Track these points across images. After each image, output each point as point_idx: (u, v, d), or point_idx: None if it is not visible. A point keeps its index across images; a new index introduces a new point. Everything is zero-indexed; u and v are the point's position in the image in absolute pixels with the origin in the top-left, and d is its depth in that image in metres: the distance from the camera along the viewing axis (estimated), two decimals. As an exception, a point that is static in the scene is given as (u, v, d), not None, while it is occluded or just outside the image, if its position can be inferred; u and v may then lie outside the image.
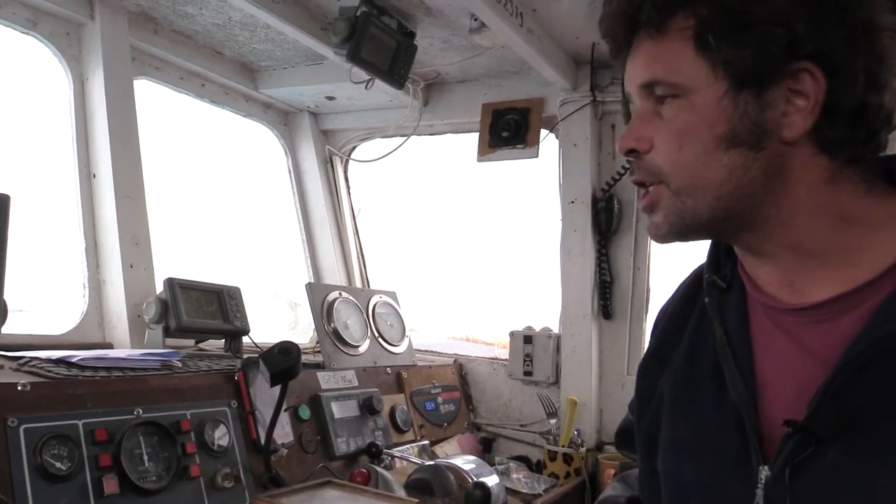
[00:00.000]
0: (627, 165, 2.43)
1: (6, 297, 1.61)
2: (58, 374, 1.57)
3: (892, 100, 0.85)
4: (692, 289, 1.09)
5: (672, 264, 2.54)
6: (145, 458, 1.54)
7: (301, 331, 2.94)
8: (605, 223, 2.51)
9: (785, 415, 0.85)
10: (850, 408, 0.81)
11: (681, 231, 0.91)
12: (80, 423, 1.47)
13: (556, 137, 2.64)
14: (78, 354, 1.70)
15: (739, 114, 0.84)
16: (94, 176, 2.20)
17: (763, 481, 0.86)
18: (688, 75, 0.86)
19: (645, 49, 0.90)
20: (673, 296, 1.14)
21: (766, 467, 0.87)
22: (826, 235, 0.87)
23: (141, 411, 1.58)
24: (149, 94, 2.44)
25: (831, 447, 0.82)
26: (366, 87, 2.49)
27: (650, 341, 1.15)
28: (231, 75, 2.67)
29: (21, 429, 1.38)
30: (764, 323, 0.94)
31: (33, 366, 1.61)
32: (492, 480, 1.88)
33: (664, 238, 0.93)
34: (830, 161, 0.86)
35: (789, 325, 0.90)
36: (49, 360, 1.66)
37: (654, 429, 1.08)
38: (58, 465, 1.39)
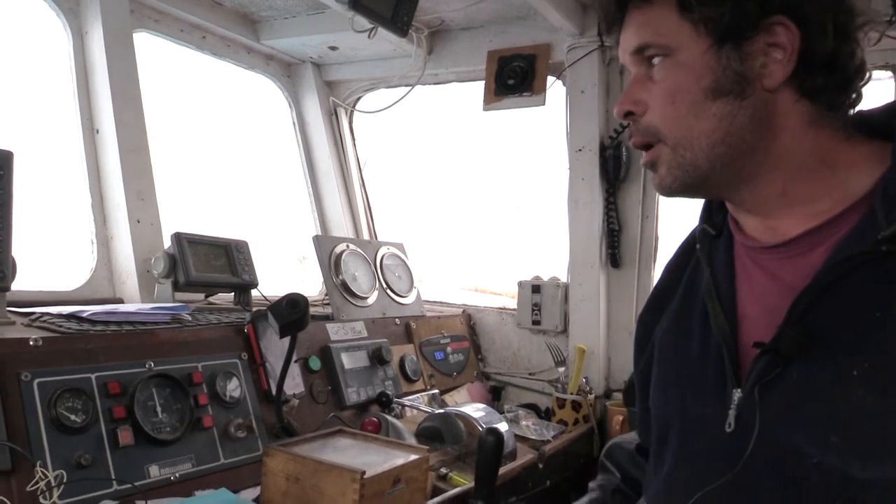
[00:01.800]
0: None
1: (14, 253, 1.63)
2: (69, 328, 1.58)
3: (860, 52, 0.93)
4: (692, 242, 1.16)
5: (680, 212, 2.52)
6: (158, 409, 1.57)
7: (309, 284, 2.95)
8: (612, 171, 2.48)
9: (758, 341, 0.92)
10: (812, 328, 0.88)
11: (685, 184, 0.97)
12: (92, 376, 1.49)
13: (564, 84, 2.60)
14: (88, 309, 1.71)
15: (723, 66, 0.91)
16: (98, 131, 2.19)
17: (735, 402, 0.94)
18: (673, 36, 0.93)
19: (634, 18, 0.98)
20: (677, 249, 1.21)
21: (738, 389, 0.95)
22: (809, 179, 0.94)
23: (153, 364, 1.60)
24: (151, 48, 2.41)
25: (796, 365, 0.89)
26: (369, 36, 2.44)
27: (651, 292, 1.23)
28: (232, 26, 2.62)
29: (35, 383, 1.40)
30: (745, 263, 1.02)
31: (44, 321, 1.63)
32: (501, 427, 1.89)
33: (669, 190, 0.99)
34: (812, 106, 0.93)
35: (767, 261, 0.98)
36: (60, 316, 1.68)
37: (648, 370, 1.16)
38: (73, 417, 1.42)
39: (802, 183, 0.94)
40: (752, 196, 0.97)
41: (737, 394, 0.94)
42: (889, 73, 2.14)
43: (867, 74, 0.96)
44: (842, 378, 0.85)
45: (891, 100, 0.98)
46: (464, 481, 1.73)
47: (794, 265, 0.94)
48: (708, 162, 0.94)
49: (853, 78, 0.94)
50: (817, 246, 0.92)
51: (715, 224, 1.08)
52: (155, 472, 1.51)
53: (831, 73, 0.92)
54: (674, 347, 1.10)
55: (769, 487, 0.91)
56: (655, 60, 0.96)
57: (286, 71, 3.01)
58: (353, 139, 3.14)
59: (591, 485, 1.40)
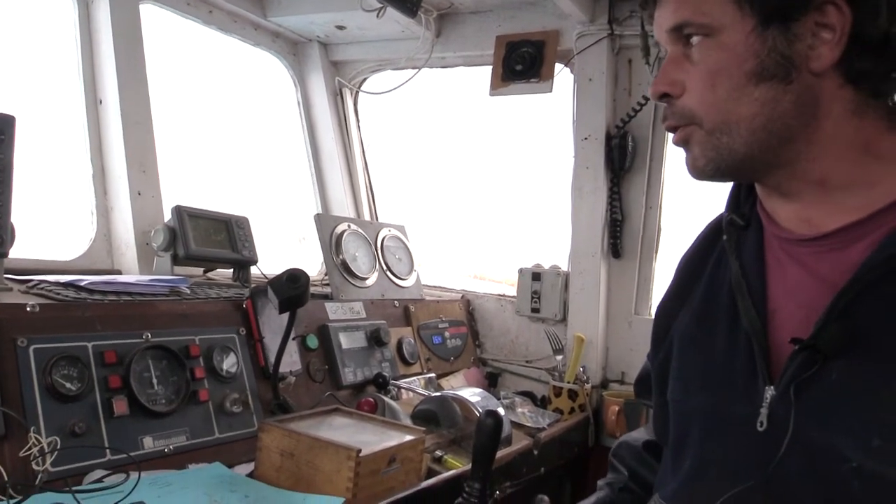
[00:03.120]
0: (643, 102, 2.38)
1: (14, 220, 1.61)
2: (67, 296, 1.57)
3: None
4: (714, 232, 1.12)
5: (684, 204, 2.51)
6: (154, 381, 1.56)
7: (309, 263, 2.94)
8: (618, 161, 2.47)
9: (793, 337, 0.88)
10: (854, 326, 0.84)
11: (719, 168, 0.93)
12: (89, 345, 1.48)
13: (571, 72, 2.58)
14: (86, 278, 1.70)
15: (768, 48, 0.87)
16: (101, 102, 2.17)
17: (768, 400, 0.90)
18: (715, 15, 0.89)
19: None
20: (695, 240, 1.18)
21: (771, 387, 0.90)
22: (849, 169, 0.89)
23: (150, 335, 1.59)
24: (157, 21, 2.39)
25: (835, 364, 0.85)
26: (377, 16, 2.43)
27: (671, 282, 1.18)
28: (239, 2, 2.60)
29: (31, 349, 1.39)
30: (778, 255, 0.97)
31: (42, 288, 1.62)
32: (499, 412, 1.89)
33: (702, 172, 0.95)
34: (856, 93, 0.88)
35: (802, 254, 0.94)
36: (58, 284, 1.66)
37: (667, 364, 1.12)
38: (68, 385, 1.41)
39: (843, 173, 0.90)
40: (789, 181, 0.93)
41: (769, 391, 0.90)
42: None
43: None
44: (887, 380, 0.81)
45: None
46: (458, 464, 1.73)
47: (832, 260, 0.90)
48: (746, 148, 0.90)
49: None
50: (857, 241, 0.88)
51: (743, 214, 1.04)
52: (149, 443, 1.50)
53: (880, 58, 0.86)
54: (697, 342, 1.06)
55: (803, 490, 0.87)
56: (694, 40, 0.91)
57: (292, 49, 2.99)
58: (358, 120, 3.12)
59: (600, 483, 1.38)
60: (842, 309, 0.84)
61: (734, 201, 1.06)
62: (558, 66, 2.58)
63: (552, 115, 2.69)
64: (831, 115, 0.88)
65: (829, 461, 0.84)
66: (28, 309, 1.43)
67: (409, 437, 1.54)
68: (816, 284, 0.91)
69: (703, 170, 0.95)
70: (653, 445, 1.28)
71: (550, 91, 2.56)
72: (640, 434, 1.35)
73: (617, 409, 2.32)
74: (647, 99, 2.36)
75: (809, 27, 0.85)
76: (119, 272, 2.10)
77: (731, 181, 1.04)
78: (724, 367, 0.98)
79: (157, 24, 2.39)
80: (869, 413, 0.82)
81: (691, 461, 1.01)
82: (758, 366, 0.93)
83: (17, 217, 1.62)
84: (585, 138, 2.51)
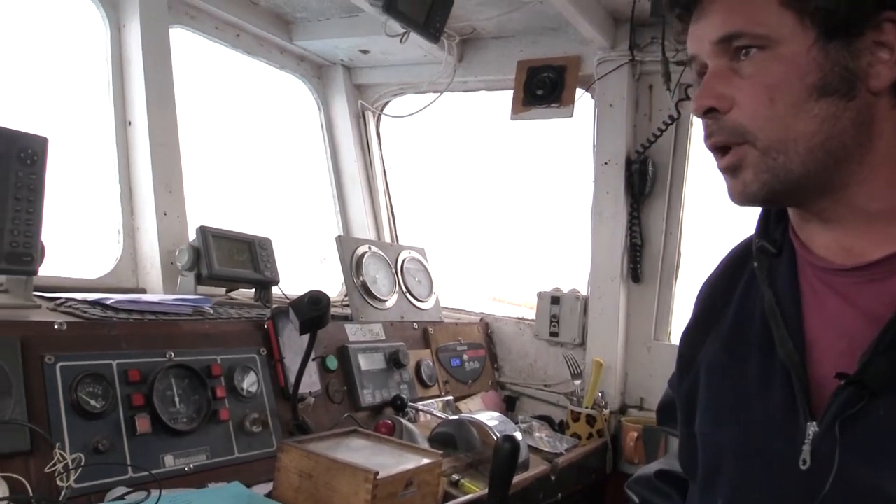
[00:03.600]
0: (663, 128, 2.39)
1: (43, 239, 1.65)
2: (93, 315, 1.60)
3: None
4: (739, 258, 1.09)
5: (704, 229, 2.51)
6: (176, 399, 1.58)
7: (330, 284, 2.96)
8: (638, 186, 2.47)
9: (835, 371, 0.84)
10: None
11: (774, 189, 0.88)
12: (114, 363, 1.51)
13: (592, 97, 2.60)
14: (112, 297, 1.73)
15: (831, 62, 0.83)
16: (130, 123, 2.22)
17: (811, 437, 0.86)
18: (773, 26, 0.84)
19: (721, 3, 0.87)
20: (718, 265, 1.14)
21: (813, 423, 0.86)
22: (894, 195, 0.86)
23: (173, 354, 1.62)
24: (185, 45, 2.44)
25: (883, 401, 0.81)
26: (401, 41, 2.45)
27: (694, 309, 1.14)
28: (266, 26, 2.65)
29: (58, 366, 1.42)
30: (814, 284, 0.93)
31: (69, 306, 1.65)
32: (517, 437, 1.89)
33: (753, 198, 0.90)
34: None
35: (841, 284, 0.89)
36: (85, 302, 1.69)
37: (693, 394, 1.08)
38: (92, 402, 1.43)
39: (887, 198, 0.86)
40: (835, 207, 0.89)
41: (811, 427, 0.86)
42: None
43: None
44: None
45: None
46: (475, 489, 1.73)
47: (874, 291, 0.86)
48: (803, 168, 0.85)
49: None
50: None
51: (774, 240, 0.99)
52: (170, 461, 1.52)
53: None
54: (727, 371, 1.01)
55: None
56: (747, 52, 0.86)
57: (317, 72, 3.04)
58: (380, 142, 3.16)
59: None
60: (888, 342, 0.81)
61: (764, 227, 1.01)
62: (579, 92, 2.59)
63: (573, 140, 2.71)
64: (885, 135, 0.85)
65: (874, 501, 0.81)
66: (56, 327, 1.46)
67: (426, 461, 1.54)
68: (857, 316, 0.87)
69: (755, 194, 0.89)
70: (665, 474, 1.25)
71: (571, 116, 2.58)
72: (654, 465, 1.31)
73: (635, 435, 2.31)
74: (667, 124, 2.37)
75: (868, 45, 0.83)
76: (144, 291, 2.13)
77: (778, 206, 0.98)
78: (758, 400, 0.94)
79: (187, 48, 2.44)
80: None
81: (724, 498, 0.98)
82: (798, 400, 0.88)
83: (46, 235, 1.66)
84: (606, 163, 2.52)
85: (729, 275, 1.09)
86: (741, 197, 0.90)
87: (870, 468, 0.81)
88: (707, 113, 0.89)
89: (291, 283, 2.40)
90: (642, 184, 2.47)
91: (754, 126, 0.86)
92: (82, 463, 1.34)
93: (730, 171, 0.90)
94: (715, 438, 1.01)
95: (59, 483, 1.30)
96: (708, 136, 0.91)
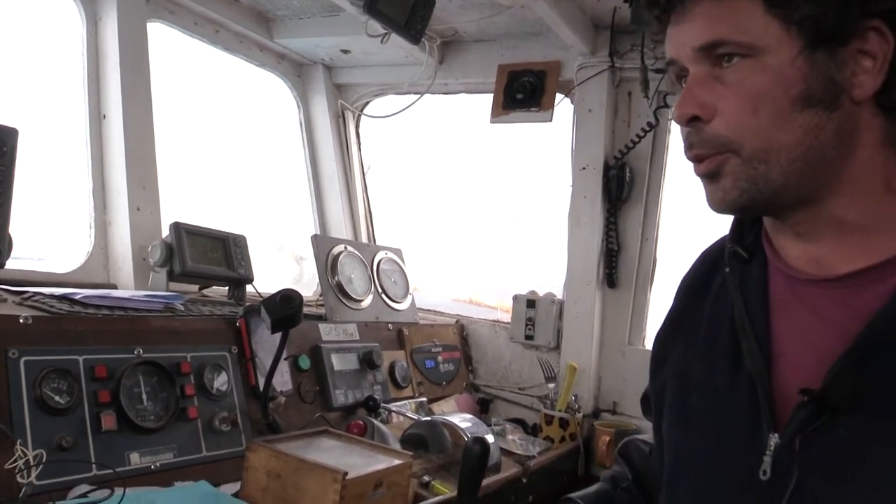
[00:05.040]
0: (641, 135, 2.40)
1: (11, 231, 1.62)
2: (60, 309, 1.58)
3: None
4: (713, 259, 1.08)
5: (680, 236, 2.53)
6: (144, 397, 1.56)
7: (305, 284, 2.95)
8: (615, 191, 2.48)
9: (800, 385, 0.84)
10: (868, 380, 0.79)
11: (753, 199, 0.86)
12: (80, 358, 1.48)
13: (571, 102, 2.61)
14: (81, 292, 1.71)
15: (816, 72, 0.81)
16: (105, 117, 2.19)
17: (772, 448, 0.85)
18: (758, 34, 0.82)
19: (704, 8, 0.85)
20: (695, 263, 1.13)
21: (776, 434, 0.86)
22: (871, 208, 0.85)
23: (141, 351, 1.60)
24: (163, 39, 2.42)
25: (845, 419, 0.80)
26: (381, 41, 2.45)
27: (671, 306, 1.14)
28: (246, 23, 2.63)
29: (21, 361, 1.39)
30: (784, 294, 0.92)
31: (36, 301, 1.62)
32: (488, 439, 1.89)
33: (732, 206, 0.88)
34: (886, 122, 0.85)
35: (811, 296, 0.89)
36: (52, 297, 1.67)
37: (664, 394, 1.08)
38: (57, 398, 1.41)
39: (864, 212, 0.85)
40: (809, 219, 0.88)
41: (773, 438, 0.86)
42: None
43: None
44: (893, 439, 0.77)
45: None
46: (445, 490, 1.72)
47: (844, 304, 0.85)
48: (783, 178, 0.84)
49: None
50: (872, 285, 0.83)
51: (746, 246, 0.98)
52: (136, 459, 1.49)
53: None
54: (696, 380, 1.00)
55: None
56: (730, 59, 0.84)
57: (297, 71, 3.02)
58: (359, 143, 3.15)
59: (604, 474, 1.35)
60: (855, 360, 0.80)
61: (737, 231, 1.01)
62: (559, 96, 2.60)
63: (551, 144, 2.72)
64: (864, 146, 0.84)
65: None
66: (21, 321, 1.44)
67: (396, 462, 1.53)
68: (826, 329, 0.86)
69: (734, 202, 0.87)
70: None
71: (550, 120, 2.59)
72: (650, 440, 1.27)
73: (608, 439, 2.31)
74: (645, 131, 2.39)
75: (852, 54, 0.81)
76: (115, 286, 2.11)
77: (756, 215, 0.97)
78: (725, 409, 0.94)
79: (164, 42, 2.42)
80: (882, 475, 0.78)
81: None
82: (762, 411, 0.88)
83: (14, 228, 1.63)
84: (583, 168, 2.53)
85: (704, 275, 1.09)
86: (720, 205, 0.89)
87: (828, 484, 0.81)
88: (689, 122, 0.87)
89: (268, 282, 2.38)
90: (619, 189, 2.48)
91: (737, 136, 0.84)
92: (44, 460, 1.31)
93: (708, 177, 0.89)
94: (681, 446, 1.01)
95: (19, 480, 1.28)
96: (688, 147, 0.89)
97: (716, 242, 1.11)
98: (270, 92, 3.00)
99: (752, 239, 0.99)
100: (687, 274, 1.14)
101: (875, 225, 0.85)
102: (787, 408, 0.86)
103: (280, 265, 3.03)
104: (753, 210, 0.91)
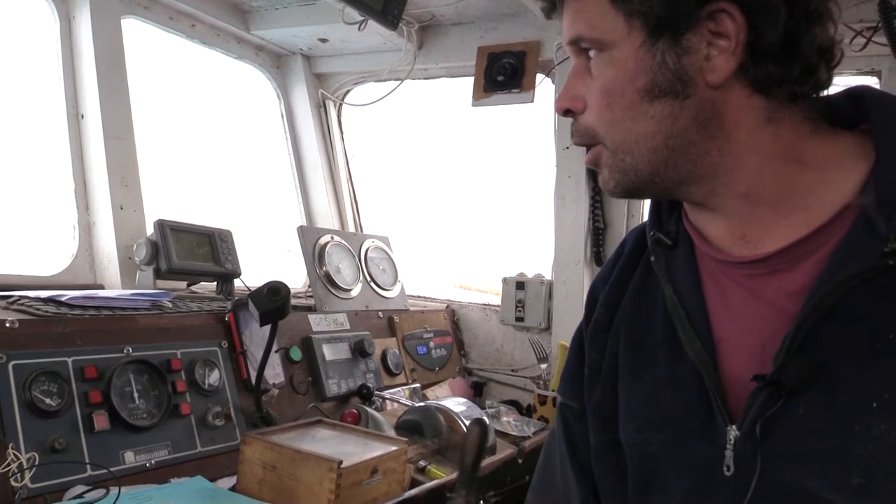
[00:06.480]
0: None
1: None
2: (46, 312, 1.57)
3: (824, 32, 0.82)
4: (634, 249, 1.04)
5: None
6: (136, 395, 1.56)
7: (294, 275, 2.94)
8: (599, 169, 2.48)
9: (747, 371, 0.82)
10: (818, 356, 0.78)
11: (629, 188, 0.88)
12: (69, 360, 1.48)
13: (553, 82, 2.60)
14: (67, 294, 1.70)
15: (657, 64, 0.81)
16: (83, 116, 2.18)
17: (732, 441, 0.83)
18: (606, 29, 0.84)
19: (569, 5, 0.88)
20: (613, 257, 1.09)
21: (733, 427, 0.83)
22: (774, 179, 0.84)
23: (131, 350, 1.59)
24: (140, 35, 2.39)
25: (802, 399, 0.79)
26: (359, 29, 2.44)
27: (595, 308, 1.06)
28: (222, 15, 2.60)
29: (10, 365, 1.39)
30: (717, 278, 0.90)
31: (22, 304, 1.61)
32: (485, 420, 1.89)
33: (615, 193, 0.90)
34: (767, 101, 0.83)
35: (744, 278, 0.87)
36: (38, 299, 1.66)
37: (609, 400, 1.02)
38: (48, 400, 1.40)
39: (770, 183, 0.84)
40: (712, 196, 0.87)
41: (731, 431, 0.83)
42: (875, 79, 2.15)
43: (837, 56, 0.84)
44: (858, 412, 0.75)
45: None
46: (442, 474, 1.73)
47: (778, 282, 0.83)
48: (651, 167, 0.85)
49: (816, 64, 0.82)
50: (802, 259, 0.81)
51: (668, 232, 0.96)
52: (130, 458, 1.50)
53: (787, 63, 0.81)
54: (637, 376, 0.97)
55: None
56: (591, 53, 0.86)
57: (276, 62, 3.00)
58: (342, 132, 3.13)
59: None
60: (801, 340, 0.78)
61: (656, 217, 0.99)
62: (540, 77, 2.59)
63: (534, 125, 2.71)
64: (742, 125, 0.83)
65: (799, 501, 0.79)
66: (7, 325, 1.43)
67: (391, 448, 1.54)
68: (764, 310, 0.84)
69: (613, 191, 0.89)
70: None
71: (532, 101, 2.58)
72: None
73: (602, 416, 2.33)
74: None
75: (703, 37, 0.80)
76: (102, 287, 2.10)
77: (646, 198, 0.97)
78: (674, 405, 0.91)
79: (140, 38, 2.40)
80: (844, 450, 0.76)
81: None
82: (714, 404, 0.85)
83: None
84: (567, 147, 2.53)
85: (621, 269, 1.05)
86: (608, 192, 0.91)
87: (796, 472, 0.79)
88: (566, 114, 0.90)
89: (256, 276, 2.37)
90: (603, 167, 2.48)
91: (601, 129, 0.86)
92: (37, 462, 1.31)
93: (591, 166, 0.91)
94: (644, 447, 0.96)
95: (13, 483, 1.28)
96: (571, 135, 0.92)
97: (631, 233, 1.08)
98: (250, 84, 2.98)
99: (673, 224, 0.97)
100: (600, 273, 1.10)
101: (788, 196, 0.83)
102: (737, 396, 0.84)
103: (268, 258, 3.02)
104: (639, 195, 0.91)
